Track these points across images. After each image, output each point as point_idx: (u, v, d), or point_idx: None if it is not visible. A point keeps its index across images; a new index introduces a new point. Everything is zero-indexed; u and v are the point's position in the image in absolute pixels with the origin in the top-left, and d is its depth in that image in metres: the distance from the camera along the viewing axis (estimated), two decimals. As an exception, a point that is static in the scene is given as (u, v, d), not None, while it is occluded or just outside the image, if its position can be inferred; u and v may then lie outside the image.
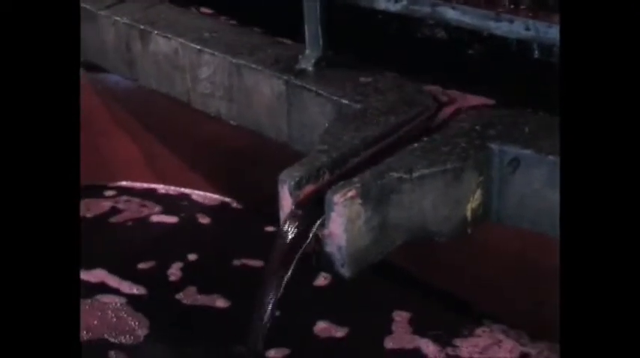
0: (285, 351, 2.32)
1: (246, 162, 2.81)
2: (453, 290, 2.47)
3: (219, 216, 2.97)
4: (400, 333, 2.36)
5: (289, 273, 1.60)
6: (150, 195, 3.08)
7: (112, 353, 2.36)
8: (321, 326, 2.41)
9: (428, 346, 2.31)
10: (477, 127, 1.75)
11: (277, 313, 1.64)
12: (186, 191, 3.08)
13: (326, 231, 1.56)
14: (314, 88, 1.98)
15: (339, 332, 2.39)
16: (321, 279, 2.58)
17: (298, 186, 1.60)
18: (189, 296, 2.56)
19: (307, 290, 2.53)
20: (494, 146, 1.69)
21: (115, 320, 2.47)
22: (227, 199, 3.01)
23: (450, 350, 2.30)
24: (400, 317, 2.42)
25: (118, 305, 2.53)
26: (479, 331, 2.36)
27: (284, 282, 1.61)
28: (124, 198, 3.06)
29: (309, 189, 1.61)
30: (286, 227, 1.59)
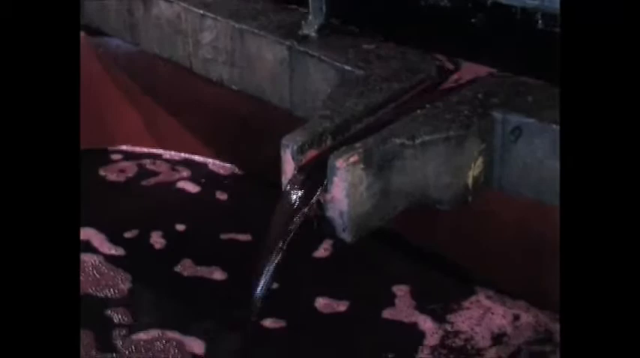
0: (282, 323, 2.31)
1: (249, 128, 2.80)
2: (451, 260, 2.48)
3: (223, 181, 2.96)
4: (401, 307, 2.36)
5: (290, 238, 1.60)
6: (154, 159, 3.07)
7: (108, 311, 2.36)
8: (321, 299, 2.41)
9: (426, 322, 2.31)
10: (480, 95, 1.75)
11: (276, 285, 1.63)
12: (189, 156, 3.06)
13: (328, 196, 1.56)
14: (317, 54, 1.97)
15: (339, 306, 2.38)
16: (321, 251, 2.57)
17: (301, 150, 1.59)
18: (188, 269, 2.55)
19: (307, 262, 2.53)
20: (497, 114, 1.69)
21: (98, 276, 2.47)
22: (228, 165, 3.01)
23: (448, 327, 2.30)
24: (401, 290, 2.42)
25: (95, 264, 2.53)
26: (467, 303, 2.36)
27: (285, 247, 1.61)
28: (148, 161, 3.05)
29: (311, 154, 1.61)
30: (288, 191, 1.59)
